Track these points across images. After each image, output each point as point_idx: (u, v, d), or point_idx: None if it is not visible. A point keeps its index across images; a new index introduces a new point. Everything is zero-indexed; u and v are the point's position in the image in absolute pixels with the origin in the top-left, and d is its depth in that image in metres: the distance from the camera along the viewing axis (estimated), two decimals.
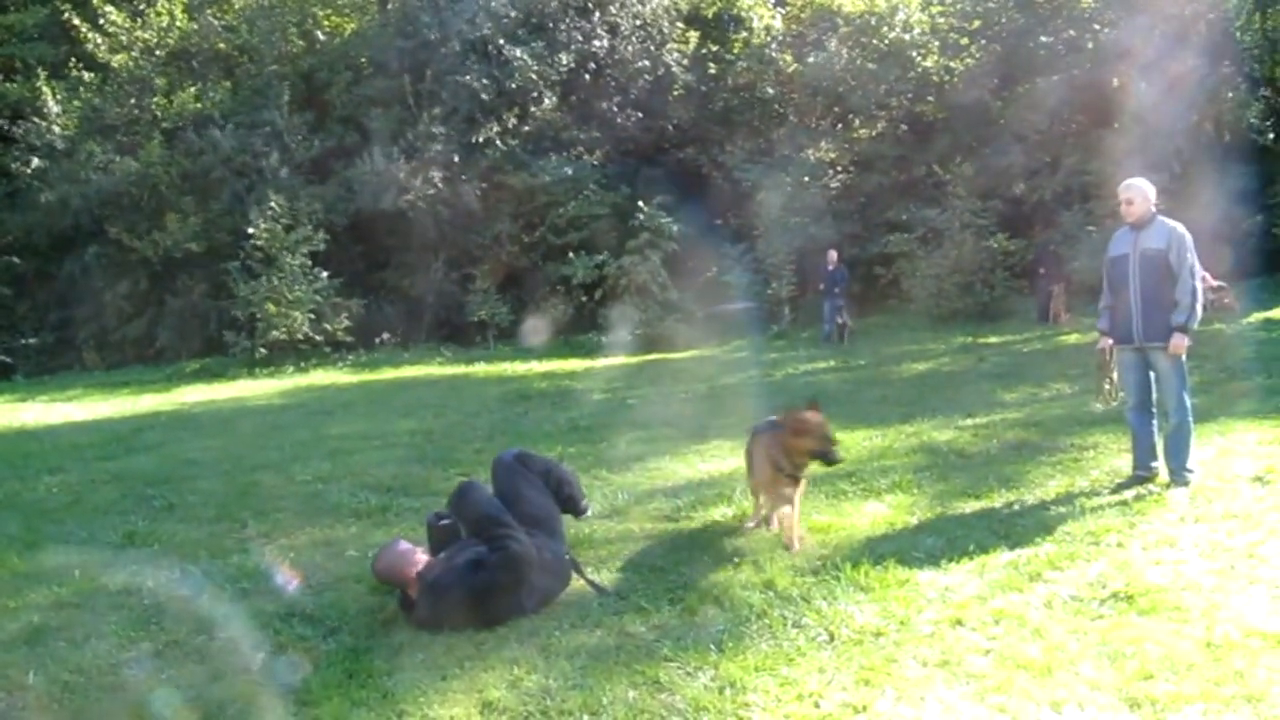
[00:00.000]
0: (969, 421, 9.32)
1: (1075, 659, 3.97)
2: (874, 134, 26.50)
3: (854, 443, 8.56)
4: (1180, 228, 6.42)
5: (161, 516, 7.28)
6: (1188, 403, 6.45)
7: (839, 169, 25.75)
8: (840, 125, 26.71)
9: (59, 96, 21.90)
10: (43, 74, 21.86)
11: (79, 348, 22.45)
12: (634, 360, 19.00)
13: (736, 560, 5.47)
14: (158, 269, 21.82)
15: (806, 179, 25.02)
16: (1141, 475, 6.52)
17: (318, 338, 20.85)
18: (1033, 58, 24.95)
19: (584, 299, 24.58)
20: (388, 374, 18.54)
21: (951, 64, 26.14)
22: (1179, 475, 6.38)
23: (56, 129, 21.49)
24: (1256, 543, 5.13)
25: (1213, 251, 22.30)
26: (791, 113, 26.79)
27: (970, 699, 3.75)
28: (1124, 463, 6.91)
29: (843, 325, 19.55)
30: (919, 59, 25.92)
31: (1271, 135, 22.32)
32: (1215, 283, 19.59)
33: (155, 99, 22.99)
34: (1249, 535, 5.26)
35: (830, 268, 20.17)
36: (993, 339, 17.33)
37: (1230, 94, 21.76)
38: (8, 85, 22.50)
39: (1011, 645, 4.15)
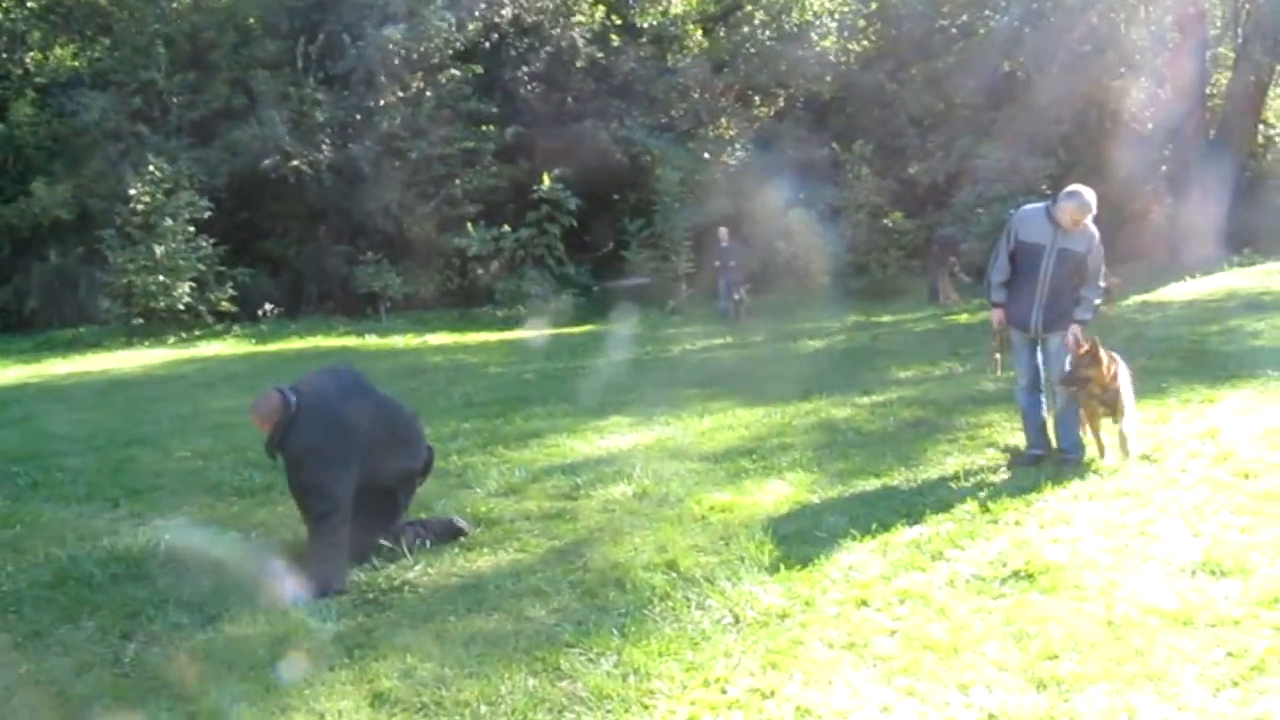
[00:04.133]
0: (866, 399, 9.38)
1: (980, 639, 3.95)
2: (774, 112, 26.62)
3: (753, 419, 8.53)
4: (1097, 233, 6.48)
5: (25, 495, 6.80)
6: None
7: (739, 146, 25.79)
8: (740, 103, 26.73)
9: None
10: None
11: None
12: (530, 334, 18.69)
13: (638, 540, 5.34)
14: (24, 235, 20.55)
15: (707, 155, 25.00)
16: (1035, 454, 6.62)
17: (201, 308, 19.94)
18: (928, 42, 25.41)
19: (480, 271, 24.12)
20: (274, 346, 17.86)
21: (850, 46, 26.43)
22: (1071, 453, 6.49)
23: None
24: (1148, 520, 5.22)
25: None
26: (694, 88, 26.68)
27: (878, 681, 3.69)
28: (1018, 440, 7.01)
29: (738, 302, 19.60)
30: (818, 39, 26.12)
31: (1150, 125, 23.15)
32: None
33: (30, 54, 21.60)
34: (1141, 513, 5.36)
35: (723, 244, 20.20)
36: (886, 317, 17.60)
37: (1115, 81, 22.47)
38: None
39: (917, 626, 4.12)
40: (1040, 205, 6.63)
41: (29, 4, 21.52)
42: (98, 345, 18.28)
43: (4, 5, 21.21)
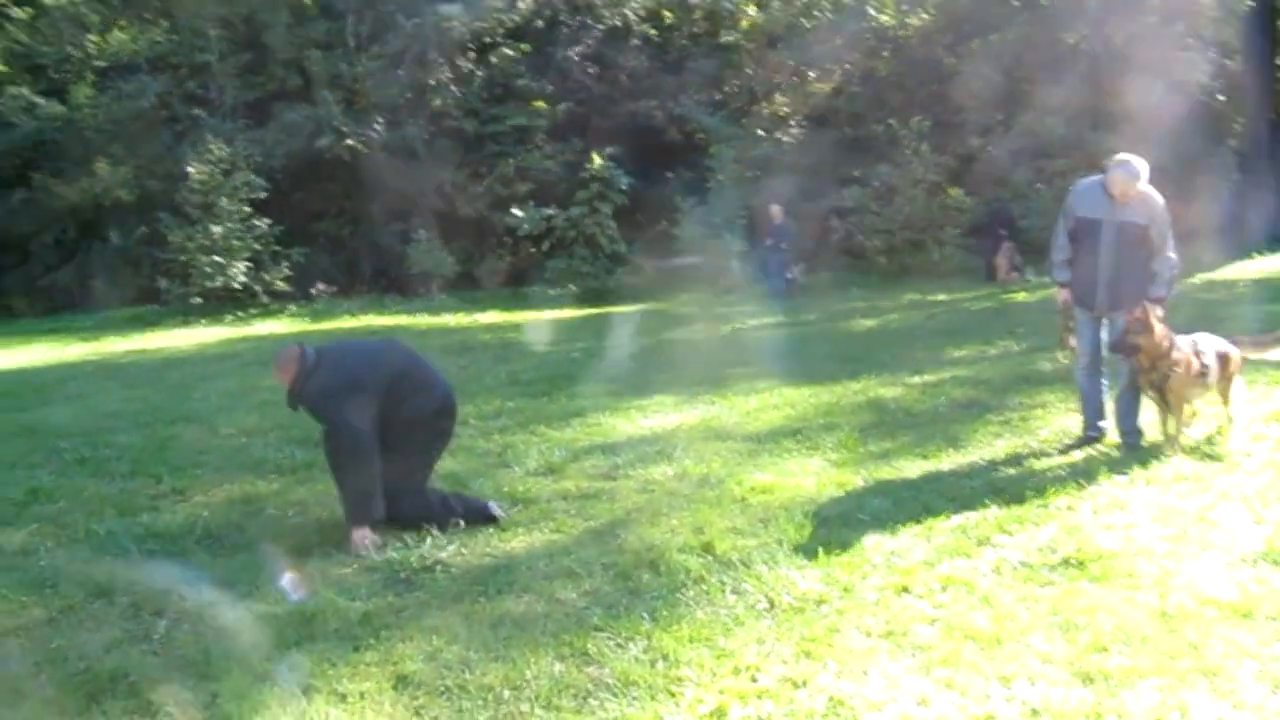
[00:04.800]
0: (917, 379, 9.15)
1: (1025, 629, 3.79)
2: (830, 88, 26.15)
3: (800, 399, 8.36)
4: (1160, 200, 6.21)
5: (71, 471, 6.87)
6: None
7: (794, 123, 25.40)
8: (796, 79, 26.29)
9: None
10: None
11: (7, 294, 21.55)
12: (580, 314, 18.63)
13: (675, 522, 5.23)
14: (88, 216, 20.93)
15: (761, 132, 24.65)
16: (1091, 436, 6.38)
17: (256, 287, 20.17)
18: (987, 14, 24.75)
19: (532, 250, 24.08)
20: (327, 324, 17.99)
21: (908, 19, 25.85)
22: (1130, 437, 6.24)
23: None
24: (1207, 507, 4.99)
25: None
26: (749, 65, 26.32)
27: (915, 672, 3.55)
28: (1073, 422, 6.77)
29: (790, 280, 19.33)
30: (875, 13, 25.58)
31: (1221, 98, 22.38)
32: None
33: (90, 37, 21.92)
34: (1200, 499, 5.13)
35: (776, 222, 19.92)
36: (942, 296, 17.21)
37: (1182, 52, 21.72)
38: None
39: (959, 614, 3.96)
40: (1097, 178, 6.36)
41: None
42: (157, 324, 18.58)
43: None
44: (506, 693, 3.54)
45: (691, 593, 4.32)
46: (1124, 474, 5.62)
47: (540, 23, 24.95)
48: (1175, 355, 5.99)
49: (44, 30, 21.50)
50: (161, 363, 13.09)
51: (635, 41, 25.18)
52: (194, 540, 5.28)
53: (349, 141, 21.80)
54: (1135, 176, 6.03)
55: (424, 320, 17.89)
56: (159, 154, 20.92)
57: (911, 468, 6.10)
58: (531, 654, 3.81)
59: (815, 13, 25.11)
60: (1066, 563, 4.40)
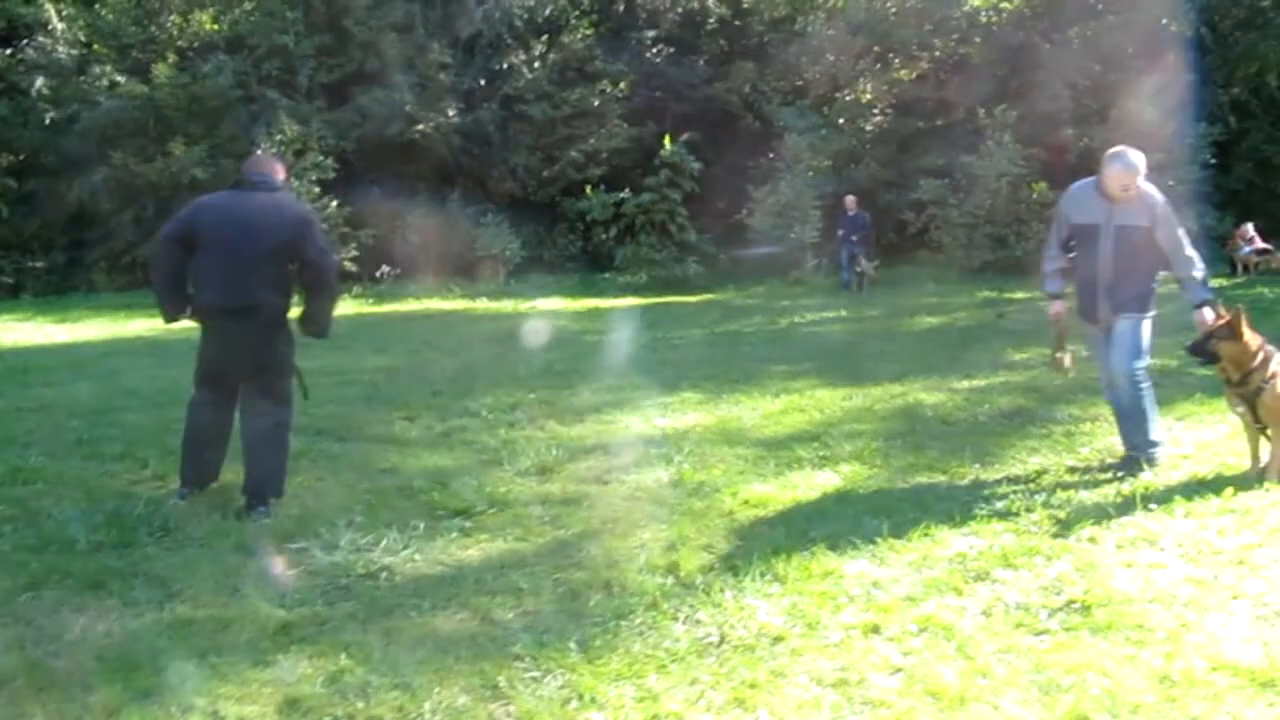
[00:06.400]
0: (965, 384, 8.54)
1: (998, 688, 3.26)
2: (915, 75, 25.18)
3: (831, 402, 7.83)
4: (1160, 197, 5.56)
5: (66, 451, 6.72)
6: (1141, 370, 5.64)
7: (876, 110, 24.55)
8: (880, 65, 25.40)
9: (64, 14, 21.24)
10: None
11: (89, 269, 22.08)
12: (643, 302, 18.27)
13: (649, 536, 4.79)
14: (166, 194, 21.30)
15: (841, 120, 23.89)
16: (1134, 456, 5.74)
17: None
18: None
19: (603, 236, 23.79)
20: (387, 307, 18.01)
21: (1002, 4, 24.73)
22: (1137, 451, 5.64)
23: (61, 47, 20.85)
24: (1250, 545, 4.35)
25: (1266, 211, 21.06)
26: (830, 50, 25.51)
27: None
28: (1119, 441, 6.12)
29: (860, 273, 18.63)
30: None
31: None
32: (1262, 244, 18.41)
33: (173, 18, 22.32)
34: (1243, 536, 4.49)
35: (850, 214, 19.22)
36: (1019, 294, 16.34)
37: None
38: (10, 2, 21.74)
39: (927, 664, 3.44)
40: (1090, 180, 5.70)
41: None
42: None
43: None
44: None
45: (639, 620, 3.88)
46: (1163, 502, 4.98)
47: (620, 7, 24.57)
48: (1275, 368, 5.29)
49: (129, 10, 21.89)
50: None
51: (712, 25, 24.60)
52: (147, 532, 5.02)
53: (421, 126, 21.75)
54: (1134, 170, 5.41)
55: (481, 305, 17.76)
56: (234, 134, 21.15)
57: (927, 485, 5.55)
58: (439, 682, 3.43)
59: None
60: (1069, 607, 3.84)
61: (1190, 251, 5.52)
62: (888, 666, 3.45)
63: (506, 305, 17.52)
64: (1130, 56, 22.16)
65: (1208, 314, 5.46)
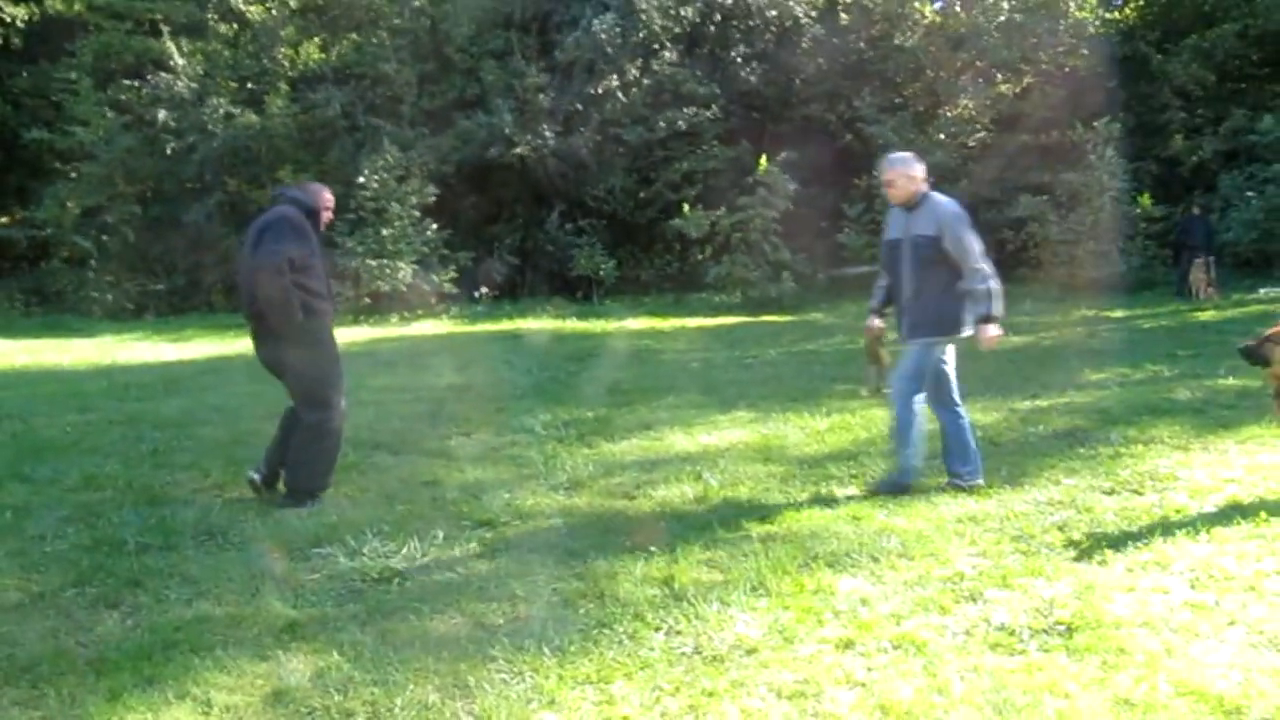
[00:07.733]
0: (1026, 404, 8.35)
1: (951, 706, 3.24)
2: (1019, 89, 24.62)
3: (880, 421, 7.75)
4: (952, 206, 5.46)
5: (139, 461, 7.18)
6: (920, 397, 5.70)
7: (978, 127, 24.07)
8: (982, 80, 24.91)
9: (185, 50, 22.56)
10: (166, 29, 22.56)
11: (207, 291, 23.32)
12: (731, 321, 18.31)
13: (655, 548, 4.88)
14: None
15: (942, 137, 23.51)
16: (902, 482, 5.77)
17: (425, 288, 20.94)
18: (1203, 7, 22.68)
19: (698, 256, 23.95)
20: (481, 327, 18.46)
21: (1109, 15, 24.03)
22: (958, 480, 5.63)
23: (182, 81, 22.16)
24: (1265, 573, 4.19)
25: None
26: (929, 66, 25.16)
27: None
28: (1166, 464, 5.96)
29: None
30: (1073, 10, 23.91)
31: None
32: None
33: (284, 50, 23.47)
34: (1263, 562, 4.32)
35: None
36: (1118, 313, 15.83)
37: None
38: (137, 39, 23.23)
39: (889, 680, 3.45)
40: None
41: (291, 3, 23.31)
42: None
43: (266, 4, 23.08)
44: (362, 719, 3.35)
45: (621, 628, 3.98)
46: (1188, 526, 4.82)
47: (711, 27, 24.73)
48: None
49: (245, 44, 23.10)
50: None
51: (807, 44, 24.53)
52: (191, 536, 5.36)
53: (519, 149, 22.30)
54: (893, 168, 5.41)
55: (570, 325, 18.04)
56: (341, 160, 22.07)
57: (950, 505, 5.48)
58: (416, 680, 3.60)
59: (1002, 11, 23.61)
60: (1053, 629, 3.78)
61: (979, 264, 5.41)
62: (849, 681, 3.47)
63: (596, 325, 17.78)
64: (1247, 64, 21.30)
65: (990, 330, 5.37)
